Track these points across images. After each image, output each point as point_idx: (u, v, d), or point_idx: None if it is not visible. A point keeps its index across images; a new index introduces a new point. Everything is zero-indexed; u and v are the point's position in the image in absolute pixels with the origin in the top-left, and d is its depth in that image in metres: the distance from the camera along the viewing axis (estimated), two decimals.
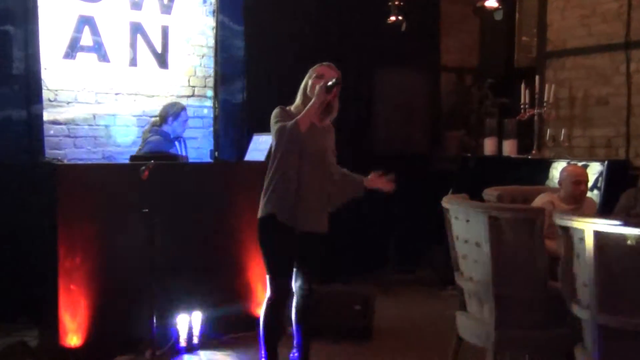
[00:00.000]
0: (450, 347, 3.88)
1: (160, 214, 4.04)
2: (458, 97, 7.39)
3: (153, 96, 5.59)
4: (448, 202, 3.69)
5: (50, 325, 4.03)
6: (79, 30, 5.19)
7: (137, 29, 5.49)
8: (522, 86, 6.15)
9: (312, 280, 3.67)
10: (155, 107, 5.49)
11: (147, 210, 3.92)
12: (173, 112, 5.19)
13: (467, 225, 3.50)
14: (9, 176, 4.59)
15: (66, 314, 3.97)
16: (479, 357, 3.80)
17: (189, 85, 5.83)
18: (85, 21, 5.22)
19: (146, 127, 5.34)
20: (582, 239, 2.89)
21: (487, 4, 6.34)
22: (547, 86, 6.10)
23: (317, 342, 3.89)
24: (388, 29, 6.20)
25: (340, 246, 5.56)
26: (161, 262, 4.04)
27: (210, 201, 4.51)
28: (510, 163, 6.09)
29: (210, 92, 5.93)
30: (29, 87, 4.78)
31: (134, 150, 5.26)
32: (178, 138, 5.25)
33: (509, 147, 6.22)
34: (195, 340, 4.36)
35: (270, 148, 3.65)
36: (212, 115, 5.94)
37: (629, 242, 2.76)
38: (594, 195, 5.00)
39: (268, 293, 3.56)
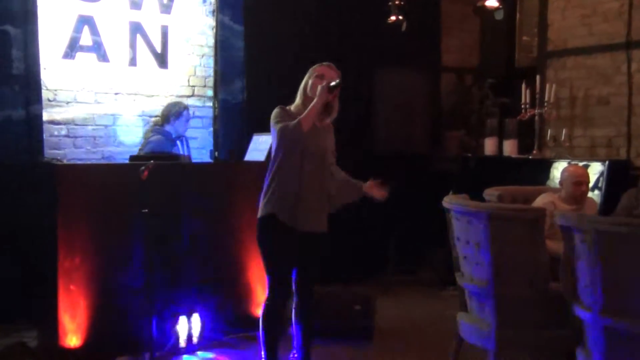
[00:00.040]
0: (450, 347, 3.88)
1: (160, 214, 4.03)
2: (458, 97, 7.37)
3: (153, 96, 5.57)
4: (449, 203, 3.69)
5: (50, 326, 4.02)
6: (78, 30, 5.18)
7: (136, 28, 5.48)
8: (523, 86, 6.14)
9: (312, 281, 3.66)
10: (155, 107, 5.50)
11: (146, 210, 3.91)
12: (175, 112, 5.21)
13: (467, 226, 3.50)
14: (9, 176, 4.59)
15: (66, 315, 3.96)
16: (479, 357, 3.78)
17: (189, 85, 5.81)
18: (85, 21, 5.21)
19: (148, 127, 5.33)
20: (583, 240, 2.88)
21: (487, 3, 6.32)
22: (547, 86, 6.09)
23: (317, 342, 3.87)
24: (388, 28, 6.19)
25: (340, 247, 5.53)
26: (161, 262, 4.03)
27: (210, 201, 4.50)
28: (511, 163, 6.08)
29: (210, 92, 5.91)
30: (28, 87, 4.78)
31: (134, 150, 5.25)
32: (180, 137, 5.25)
33: (510, 147, 6.20)
34: (195, 340, 4.35)
35: (270, 148, 3.64)
36: (212, 115, 5.93)
37: None
38: (595, 195, 4.99)
39: (268, 293, 3.55)
